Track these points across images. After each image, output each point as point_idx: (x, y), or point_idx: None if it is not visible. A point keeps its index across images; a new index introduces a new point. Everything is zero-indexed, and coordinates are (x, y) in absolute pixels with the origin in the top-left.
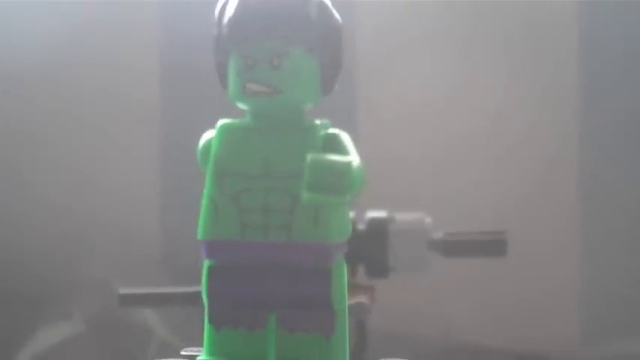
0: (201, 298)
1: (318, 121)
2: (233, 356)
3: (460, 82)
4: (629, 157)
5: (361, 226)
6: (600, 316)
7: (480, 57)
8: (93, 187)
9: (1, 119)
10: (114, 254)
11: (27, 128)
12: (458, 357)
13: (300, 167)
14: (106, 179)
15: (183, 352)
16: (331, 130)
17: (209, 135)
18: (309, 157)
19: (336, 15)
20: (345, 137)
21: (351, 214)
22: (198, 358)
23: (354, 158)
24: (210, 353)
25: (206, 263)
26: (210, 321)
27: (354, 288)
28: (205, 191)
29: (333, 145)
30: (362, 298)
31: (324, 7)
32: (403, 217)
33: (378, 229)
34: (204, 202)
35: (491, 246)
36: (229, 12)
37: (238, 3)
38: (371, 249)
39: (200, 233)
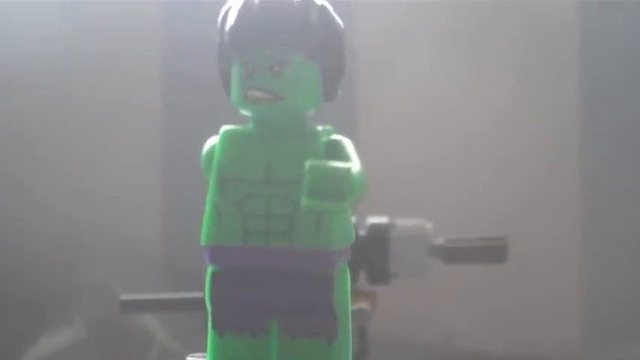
0: (202, 304)
1: (320, 128)
2: None
3: (460, 88)
4: (630, 162)
5: (362, 232)
6: (602, 322)
7: (480, 63)
8: (94, 192)
9: (2, 124)
10: (115, 260)
11: (27, 133)
12: None
13: (301, 174)
14: (107, 185)
15: (188, 358)
16: (333, 137)
17: (212, 142)
18: (309, 163)
19: (338, 21)
20: (347, 143)
21: (352, 220)
22: None
23: (354, 164)
24: (214, 358)
25: (209, 269)
26: (214, 326)
27: (355, 294)
28: (208, 197)
29: (335, 151)
30: (363, 304)
31: (325, 14)
32: (404, 223)
33: (379, 235)
34: (207, 208)
35: (492, 252)
36: (231, 20)
37: (239, 11)
38: (372, 255)
39: (203, 239)
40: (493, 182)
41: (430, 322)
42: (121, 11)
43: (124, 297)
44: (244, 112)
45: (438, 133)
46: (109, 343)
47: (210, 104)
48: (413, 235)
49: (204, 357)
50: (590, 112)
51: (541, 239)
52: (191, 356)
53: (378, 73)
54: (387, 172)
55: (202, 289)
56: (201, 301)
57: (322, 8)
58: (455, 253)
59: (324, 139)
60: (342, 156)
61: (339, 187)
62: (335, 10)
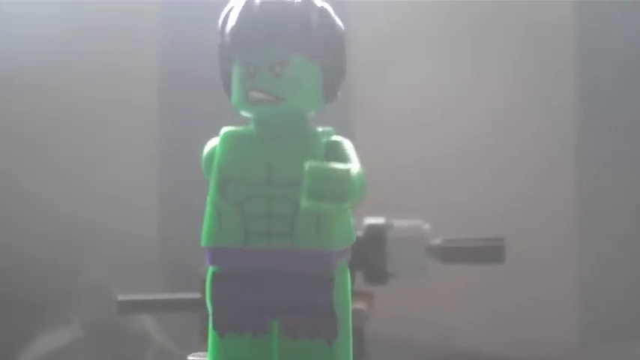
0: (199, 305)
1: (320, 129)
2: None
3: (458, 88)
4: (628, 163)
5: (359, 233)
6: (600, 322)
7: (478, 63)
8: (91, 192)
9: None
10: (112, 260)
11: (23, 133)
12: None
13: (302, 175)
14: (104, 185)
15: (190, 357)
16: (333, 138)
17: (213, 143)
18: (308, 164)
19: (338, 22)
20: (348, 145)
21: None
22: None
23: (354, 166)
24: (215, 359)
25: (210, 270)
26: (215, 327)
27: (352, 294)
28: (209, 198)
29: (335, 152)
30: (360, 305)
31: (325, 15)
32: (401, 223)
33: (376, 235)
34: (207, 209)
35: (490, 252)
36: (232, 20)
37: (240, 12)
38: (369, 255)
39: (204, 240)
40: (490, 183)
41: (428, 322)
42: (119, 11)
43: (121, 297)
44: (245, 113)
45: (435, 134)
46: (106, 343)
47: (207, 104)
48: (410, 235)
49: (204, 357)
50: (587, 113)
51: (539, 240)
52: (192, 356)
53: (376, 74)
54: (384, 172)
55: (199, 290)
56: (199, 301)
57: (323, 9)
58: (452, 254)
59: (325, 140)
60: (343, 157)
61: (339, 188)
62: (333, 10)
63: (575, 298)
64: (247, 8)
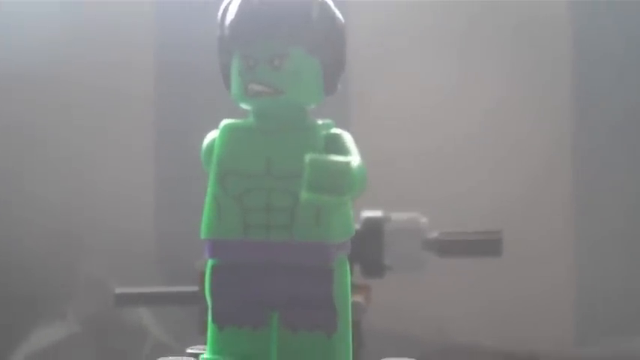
0: (196, 298)
1: (320, 121)
2: (236, 355)
3: (455, 83)
4: (624, 158)
5: (357, 226)
6: (596, 316)
7: (475, 58)
8: (87, 186)
9: None
10: (108, 254)
11: (20, 128)
12: (453, 357)
13: (301, 167)
14: (100, 179)
15: (188, 350)
16: (333, 130)
17: (212, 135)
18: (309, 157)
19: (338, 15)
20: (347, 137)
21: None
22: (202, 356)
23: (354, 158)
24: (214, 352)
25: (209, 263)
26: (214, 320)
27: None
28: (209, 191)
29: (335, 145)
30: (357, 298)
31: (325, 8)
32: (398, 216)
33: (374, 228)
34: (207, 201)
35: (487, 246)
36: (231, 13)
37: (240, 4)
38: (366, 248)
39: (203, 232)
40: (488, 177)
41: (424, 315)
42: (116, 4)
43: (118, 290)
44: (244, 106)
45: (433, 128)
46: (104, 337)
47: (205, 97)
48: (407, 228)
49: (203, 349)
50: (584, 109)
51: (536, 234)
52: (191, 348)
53: (374, 68)
54: (382, 166)
55: (196, 283)
56: (196, 294)
57: (323, 2)
58: (449, 247)
59: (324, 132)
60: (343, 150)
61: (339, 181)
62: (333, 4)
63: (572, 293)
64: (247, 1)
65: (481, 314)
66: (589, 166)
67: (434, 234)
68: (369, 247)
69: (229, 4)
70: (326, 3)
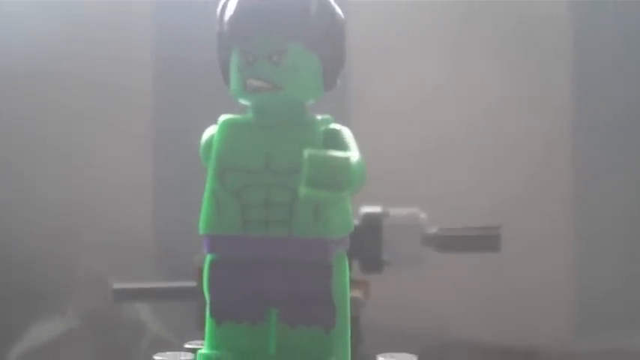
0: (194, 293)
1: (319, 117)
2: (234, 350)
3: (454, 79)
4: (623, 155)
5: (355, 222)
6: (595, 312)
7: (474, 55)
8: (86, 182)
9: None
10: (107, 249)
11: (19, 124)
12: (452, 351)
13: (300, 163)
14: (98, 175)
15: (186, 345)
16: (332, 126)
17: (211, 131)
18: (307, 152)
19: (338, 10)
20: (347, 133)
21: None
22: (199, 351)
23: (353, 154)
24: (212, 347)
25: (208, 258)
26: (212, 315)
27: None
28: (207, 186)
29: (334, 140)
30: (356, 293)
31: (324, 3)
32: (397, 212)
33: (373, 224)
34: (206, 197)
35: (486, 241)
36: (230, 9)
37: (239, 0)
38: (365, 244)
39: (202, 228)
40: (487, 172)
41: (423, 311)
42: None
43: (116, 286)
44: (243, 101)
45: (432, 124)
46: (102, 333)
47: (203, 92)
48: (406, 224)
49: (201, 345)
50: (583, 107)
51: (534, 230)
52: (189, 344)
53: (373, 65)
54: (381, 161)
55: (194, 279)
56: (194, 290)
57: None
58: (448, 242)
59: (323, 128)
60: (342, 145)
61: (338, 176)
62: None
63: (572, 288)
64: None
65: (480, 309)
66: (588, 163)
67: (433, 229)
68: (368, 243)
69: (228, 0)
70: None
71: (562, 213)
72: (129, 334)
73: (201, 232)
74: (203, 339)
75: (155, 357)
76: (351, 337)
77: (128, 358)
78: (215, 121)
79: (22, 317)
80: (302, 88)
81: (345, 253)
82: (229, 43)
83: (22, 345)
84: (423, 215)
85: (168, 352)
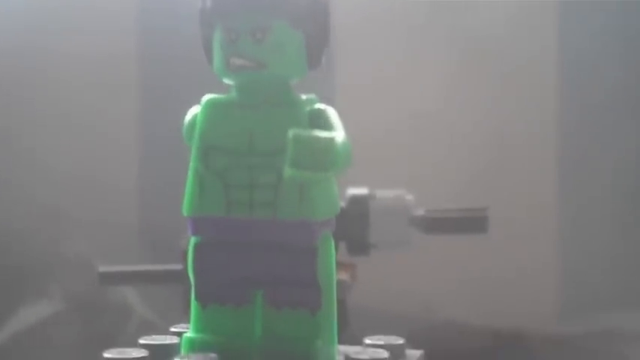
0: (180, 276)
1: (304, 97)
2: (220, 332)
3: (442, 60)
4: (607, 137)
5: (342, 204)
6: (580, 293)
7: (465, 37)
8: (70, 162)
9: None
10: (93, 232)
11: (1, 103)
12: (439, 334)
13: (284, 143)
14: (84, 156)
15: (172, 329)
16: (317, 106)
17: (195, 110)
18: (291, 132)
19: None
20: (332, 112)
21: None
22: (185, 334)
23: (338, 134)
24: (197, 330)
25: (192, 240)
26: (197, 298)
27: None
28: (191, 166)
29: (319, 120)
30: (343, 276)
31: None
32: (384, 194)
33: (359, 206)
34: (189, 178)
35: (473, 223)
36: None
37: None
38: (352, 226)
39: (186, 209)
40: (473, 153)
41: (410, 293)
42: None
43: (102, 269)
44: (227, 80)
45: (419, 106)
46: (88, 316)
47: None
48: (393, 205)
49: (187, 329)
50: (568, 84)
51: (521, 212)
52: (174, 327)
53: (358, 44)
54: (368, 143)
55: (180, 262)
56: (180, 273)
57: None
58: (435, 224)
59: (308, 108)
60: (327, 125)
61: (323, 156)
62: None
63: (557, 270)
64: None
65: (467, 292)
66: (574, 144)
67: (420, 211)
68: (355, 225)
69: None
70: None
71: (548, 195)
72: (115, 318)
73: (184, 213)
74: (189, 322)
75: (140, 340)
76: (337, 319)
77: (114, 341)
78: (200, 101)
79: (8, 300)
80: (286, 66)
81: (330, 234)
82: (212, 20)
83: (7, 328)
84: (409, 197)
85: (153, 336)
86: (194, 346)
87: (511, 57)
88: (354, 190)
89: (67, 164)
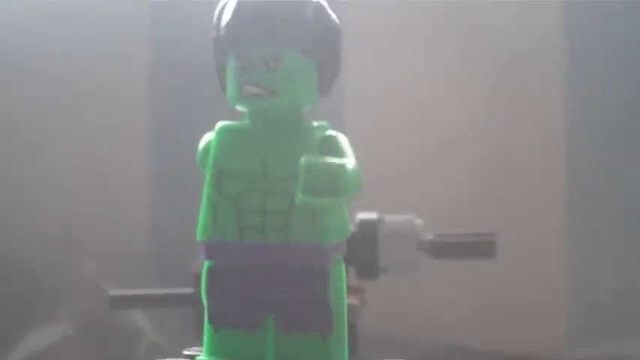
0: (191, 300)
1: (316, 123)
2: (232, 356)
3: (450, 86)
4: (617, 162)
5: (351, 228)
6: (589, 318)
7: (469, 64)
8: (82, 188)
9: None
10: (103, 256)
11: (14, 125)
12: (446, 358)
13: (296, 170)
14: (95, 178)
15: (185, 352)
16: (329, 132)
17: (209, 137)
18: (303, 159)
19: (334, 17)
20: (343, 139)
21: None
22: (198, 357)
23: (349, 161)
24: (210, 353)
25: (205, 264)
26: (210, 321)
27: None
28: (204, 193)
29: (330, 147)
30: (352, 300)
31: (320, 10)
32: (393, 218)
33: (369, 230)
34: (203, 203)
35: (481, 247)
36: (227, 14)
37: (236, 6)
38: (361, 250)
39: (199, 234)
40: (482, 179)
41: (419, 317)
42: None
43: (113, 293)
44: (240, 108)
45: (428, 131)
46: (98, 339)
47: (200, 95)
48: (402, 230)
49: (200, 351)
50: (577, 113)
51: (529, 237)
52: (188, 350)
53: (369, 71)
54: (377, 168)
55: (191, 285)
56: (190, 296)
57: (318, 5)
58: (444, 249)
59: (320, 135)
60: (338, 152)
61: (334, 183)
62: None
63: (565, 295)
64: (243, 2)
65: (475, 316)
66: (582, 170)
67: (428, 236)
68: (364, 249)
69: (225, 5)
70: (321, 5)
71: (556, 221)
72: (125, 341)
73: (198, 238)
74: (201, 345)
75: None
76: (347, 343)
77: None
78: (212, 126)
79: (19, 323)
80: (298, 94)
81: (342, 259)
82: (226, 48)
83: (18, 351)
84: (418, 221)
85: (167, 359)
86: None
87: (517, 86)
88: (363, 215)
89: (78, 188)
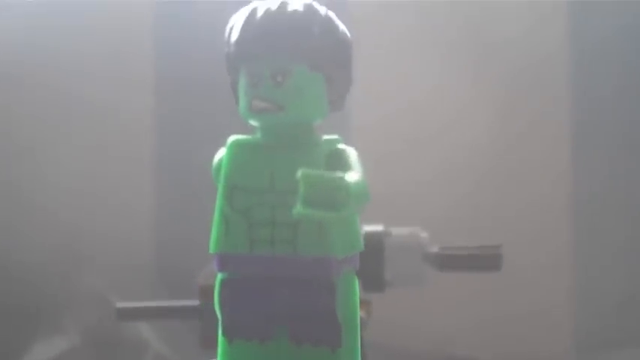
0: (197, 312)
1: (326, 137)
2: None
3: (457, 101)
4: (623, 172)
5: None
6: (595, 331)
7: (477, 79)
8: (88, 200)
9: None
10: (109, 268)
11: (20, 138)
12: None
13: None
14: (100, 191)
15: None
16: (338, 146)
17: (222, 152)
18: (300, 172)
19: (343, 30)
20: (351, 152)
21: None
22: None
23: (353, 174)
24: None
25: (218, 276)
26: (224, 332)
27: None
28: (217, 206)
29: (337, 160)
30: (359, 313)
31: (329, 23)
32: (399, 231)
33: (374, 243)
34: (215, 216)
35: (487, 260)
36: (236, 30)
37: (244, 22)
38: (367, 263)
39: (212, 247)
40: (488, 192)
41: (425, 330)
42: (114, 11)
43: (119, 305)
44: (251, 122)
45: (434, 144)
46: (104, 351)
47: (205, 109)
48: (408, 243)
49: None
50: (582, 125)
51: (535, 250)
52: None
53: (376, 84)
54: (383, 181)
55: (197, 297)
56: (197, 309)
57: (327, 18)
58: (449, 261)
59: (329, 148)
60: (344, 165)
61: (332, 196)
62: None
63: (571, 307)
64: (251, 18)
65: (481, 329)
66: (589, 181)
67: (434, 249)
68: (370, 262)
69: (235, 22)
70: (330, 18)
71: (562, 234)
72: (131, 353)
73: (210, 250)
74: (210, 358)
75: None
76: None
77: None
78: (217, 141)
79: (24, 335)
80: (305, 108)
81: (354, 272)
82: (236, 64)
83: None
84: (424, 234)
85: None
86: None
87: (522, 98)
88: (368, 228)
89: (84, 201)
